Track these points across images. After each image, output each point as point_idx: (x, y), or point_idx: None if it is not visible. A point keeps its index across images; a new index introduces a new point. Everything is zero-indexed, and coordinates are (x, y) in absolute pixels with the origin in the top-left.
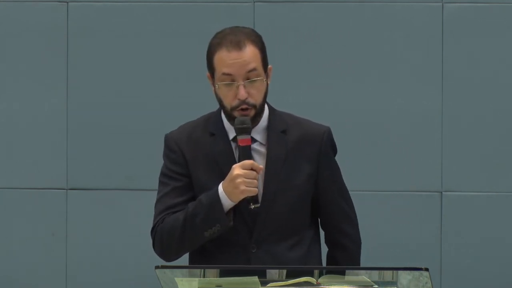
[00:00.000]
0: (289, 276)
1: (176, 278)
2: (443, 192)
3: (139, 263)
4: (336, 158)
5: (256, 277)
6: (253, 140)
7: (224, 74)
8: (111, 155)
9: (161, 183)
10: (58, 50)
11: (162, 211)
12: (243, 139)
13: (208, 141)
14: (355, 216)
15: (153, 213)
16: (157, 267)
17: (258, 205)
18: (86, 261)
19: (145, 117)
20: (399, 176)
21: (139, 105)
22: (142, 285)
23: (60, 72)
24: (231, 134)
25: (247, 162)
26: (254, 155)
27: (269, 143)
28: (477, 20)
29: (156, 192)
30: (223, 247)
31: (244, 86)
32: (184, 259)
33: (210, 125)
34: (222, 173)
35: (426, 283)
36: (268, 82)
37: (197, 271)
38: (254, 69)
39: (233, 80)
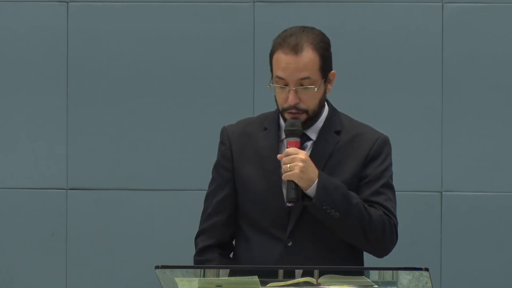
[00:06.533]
0: (289, 276)
1: (176, 278)
2: (443, 192)
3: (139, 263)
4: None
5: (256, 277)
6: (308, 139)
7: (278, 77)
8: (111, 155)
9: (212, 176)
10: (58, 50)
11: (205, 220)
12: (291, 141)
13: (260, 135)
14: (394, 209)
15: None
16: (157, 267)
17: (291, 204)
18: (86, 261)
19: (145, 117)
20: (399, 176)
21: (139, 105)
22: (142, 285)
23: (60, 72)
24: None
25: None
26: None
27: (317, 141)
28: (477, 20)
29: (155, 192)
30: (263, 238)
31: (296, 92)
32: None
33: (267, 120)
34: (265, 168)
35: (426, 283)
36: (330, 87)
37: (197, 271)
38: (307, 77)
39: (285, 84)
